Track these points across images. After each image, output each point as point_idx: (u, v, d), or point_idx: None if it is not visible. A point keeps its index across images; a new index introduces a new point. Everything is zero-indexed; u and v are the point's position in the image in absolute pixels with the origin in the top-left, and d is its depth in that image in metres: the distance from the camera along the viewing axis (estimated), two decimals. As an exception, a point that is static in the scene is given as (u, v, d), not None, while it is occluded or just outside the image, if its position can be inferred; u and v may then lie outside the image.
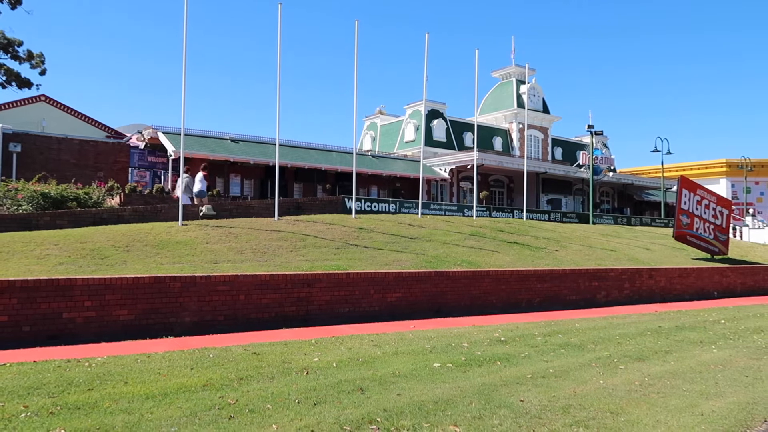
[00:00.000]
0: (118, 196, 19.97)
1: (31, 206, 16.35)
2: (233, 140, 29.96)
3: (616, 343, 9.58)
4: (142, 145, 28.86)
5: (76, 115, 30.77)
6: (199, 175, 19.64)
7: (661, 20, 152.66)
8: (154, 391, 5.82)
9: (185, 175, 17.99)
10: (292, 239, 15.06)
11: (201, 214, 16.74)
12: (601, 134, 38.28)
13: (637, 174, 53.98)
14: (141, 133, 29.11)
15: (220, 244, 13.71)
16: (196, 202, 18.54)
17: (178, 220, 15.18)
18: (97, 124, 31.36)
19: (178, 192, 18.39)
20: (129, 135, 30.68)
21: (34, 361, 7.05)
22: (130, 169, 27.58)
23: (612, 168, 42.60)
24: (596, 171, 36.90)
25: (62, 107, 30.40)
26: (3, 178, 22.48)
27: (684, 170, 52.83)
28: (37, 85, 28.77)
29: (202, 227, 14.82)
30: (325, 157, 32.37)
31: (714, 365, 8.11)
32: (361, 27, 23.35)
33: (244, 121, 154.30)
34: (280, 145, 17.90)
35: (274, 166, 27.47)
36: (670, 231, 27.28)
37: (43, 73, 28.33)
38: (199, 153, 26.22)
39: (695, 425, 5.36)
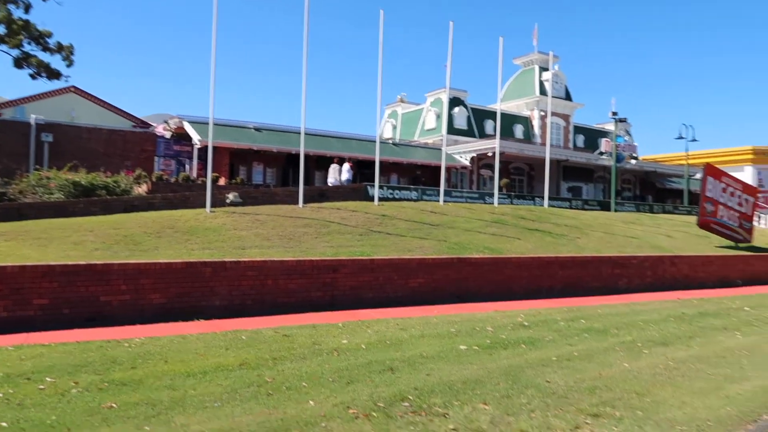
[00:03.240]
0: (145, 184, 20.41)
1: (63, 194, 16.84)
2: (256, 129, 30.26)
3: (639, 329, 9.66)
4: (168, 135, 29.29)
5: (103, 105, 31.33)
6: (346, 166, 23.75)
7: (685, 13, 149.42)
8: (194, 369, 6.10)
9: (335, 164, 24.85)
10: (316, 226, 15.31)
11: (228, 201, 17.07)
12: (625, 121, 37.78)
13: (659, 161, 53.27)
14: (167, 122, 29.54)
15: (247, 230, 14.01)
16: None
17: (205, 207, 15.52)
18: (123, 114, 31.90)
19: (330, 178, 24.69)
20: (155, 124, 31.15)
21: (77, 342, 7.39)
22: (156, 157, 28.05)
23: (634, 155, 42.09)
24: (618, 158, 36.52)
25: (90, 98, 30.96)
26: (36, 167, 23.10)
27: (708, 158, 51.92)
28: (66, 77, 29.27)
29: (229, 214, 15.13)
30: (345, 145, 32.54)
31: (739, 350, 8.18)
32: (384, 16, 23.39)
33: (267, 111, 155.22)
34: (302, 134, 18.11)
35: (296, 154, 27.70)
36: (692, 219, 27.01)
37: (71, 64, 28.81)
38: (223, 142, 26.57)
39: (721, 407, 5.47)
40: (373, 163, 21.44)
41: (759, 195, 29.46)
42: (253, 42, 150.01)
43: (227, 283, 10.26)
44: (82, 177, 17.80)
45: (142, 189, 20.31)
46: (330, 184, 24.18)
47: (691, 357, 7.62)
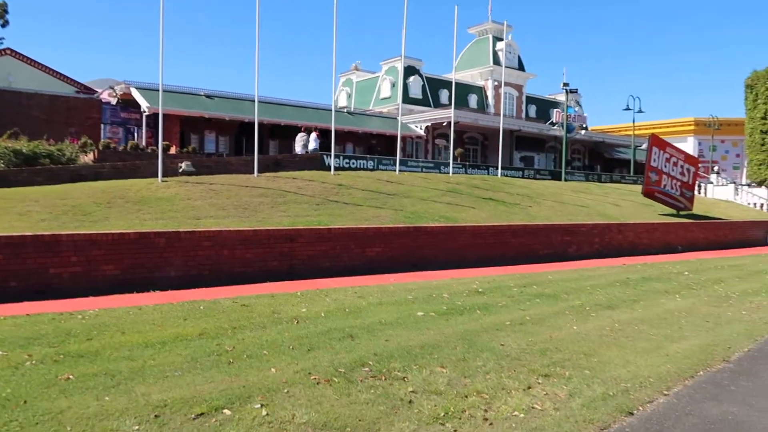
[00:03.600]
0: (92, 153, 19.66)
1: (2, 163, 16.06)
2: (208, 96, 29.43)
3: (588, 293, 10.09)
4: (114, 101, 28.16)
5: (44, 69, 29.69)
6: (313, 135, 23.19)
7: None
8: (152, 339, 6.05)
9: (303, 134, 24.50)
10: (272, 195, 15.17)
11: (180, 170, 16.66)
12: (576, 92, 38.52)
13: (608, 132, 54.74)
14: (113, 88, 28.37)
15: (202, 200, 13.77)
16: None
17: (157, 176, 15.12)
18: (65, 79, 30.35)
19: (298, 147, 24.24)
20: (100, 90, 29.87)
21: (27, 314, 7.19)
22: (102, 125, 26.95)
23: (584, 126, 43.12)
24: (569, 129, 37.33)
25: (29, 61, 29.29)
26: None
27: (654, 128, 53.65)
28: (0, 38, 27.60)
29: (182, 184, 14.81)
30: (300, 114, 32.09)
31: (678, 312, 8.67)
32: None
33: (218, 80, 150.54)
34: (255, 101, 17.75)
35: (249, 123, 27.17)
36: (638, 188, 28.05)
37: (5, 24, 27.16)
38: (174, 109, 25.75)
39: (661, 364, 5.83)
40: (328, 132, 21.26)
41: (699, 165, 30.78)
42: (204, 8, 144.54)
43: (182, 253, 10.12)
44: (23, 145, 16.97)
45: (88, 158, 19.56)
46: (297, 153, 24.12)
47: (635, 319, 8.03)
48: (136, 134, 27.69)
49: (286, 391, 4.66)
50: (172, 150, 24.39)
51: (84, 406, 4.21)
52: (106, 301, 8.34)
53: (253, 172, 17.39)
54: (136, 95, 26.55)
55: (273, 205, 14.38)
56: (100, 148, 20.42)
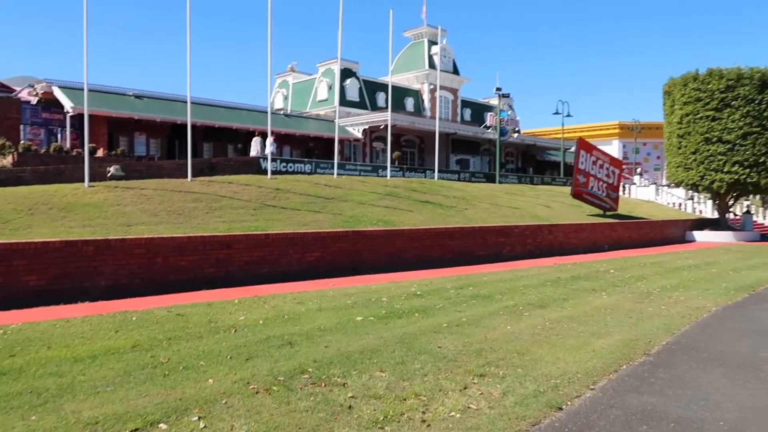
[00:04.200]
0: (11, 156, 18.62)
1: None
2: (137, 96, 28.44)
3: (521, 293, 10.46)
4: (34, 101, 26.72)
5: (-47, 65, 27.85)
6: (270, 139, 22.49)
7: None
8: (82, 354, 5.82)
9: (258, 137, 26.10)
10: (207, 200, 14.85)
11: (109, 175, 16.03)
12: (508, 96, 39.75)
13: (539, 135, 56.74)
14: (33, 87, 26.90)
15: (132, 206, 13.31)
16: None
17: (83, 181, 14.49)
18: (-21, 77, 28.57)
19: (253, 152, 25.64)
20: (18, 89, 28.26)
21: (-59, 331, 6.75)
22: (22, 126, 25.54)
23: (517, 129, 44.53)
24: (503, 132, 38.46)
25: (-63, 56, 27.39)
26: None
27: (582, 132, 56.13)
28: None
29: (111, 189, 14.25)
30: (235, 116, 31.53)
31: (604, 309, 9.12)
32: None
33: (148, 82, 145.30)
34: (188, 102, 17.31)
35: (181, 125, 26.46)
36: (568, 189, 29.25)
37: None
38: (100, 110, 24.72)
39: (588, 360, 6.14)
40: (265, 134, 21.00)
41: (623, 167, 32.43)
42: (131, 2, 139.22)
43: (113, 261, 9.76)
44: (-67, 147, 15.90)
45: (6, 161, 18.50)
46: (252, 156, 25.05)
47: (564, 317, 8.40)
48: (59, 136, 26.39)
49: (224, 402, 4.61)
50: (100, 153, 23.44)
51: (8, 427, 4.01)
52: (30, 314, 7.94)
53: (187, 176, 16.95)
54: (59, 95, 25.31)
55: (208, 211, 14.08)
56: (20, 150, 19.38)
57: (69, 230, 11.11)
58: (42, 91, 26.38)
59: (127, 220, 12.30)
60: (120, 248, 9.86)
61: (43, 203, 12.38)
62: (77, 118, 25.08)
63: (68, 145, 24.75)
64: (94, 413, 4.28)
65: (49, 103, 26.49)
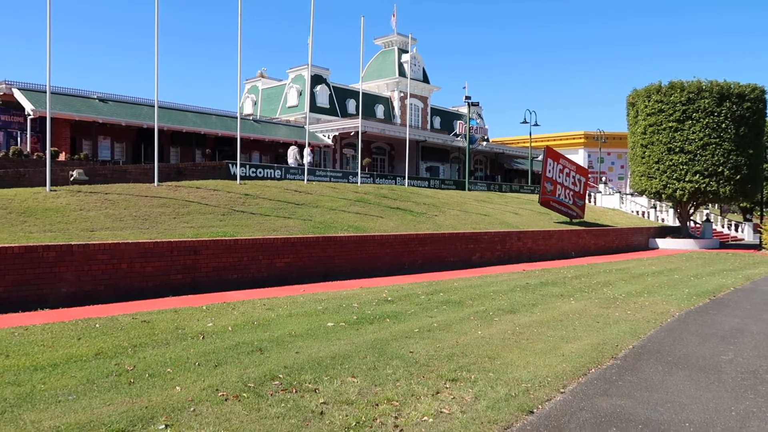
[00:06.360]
0: (-32, 159, 17.97)
1: None
2: (102, 100, 27.80)
3: (491, 299, 10.53)
4: (-8, 103, 25.91)
5: None
6: (307, 149, 24.17)
7: (526, 10, 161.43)
8: (42, 362, 5.62)
9: (294, 146, 28.96)
10: (174, 206, 14.57)
11: (71, 179, 15.60)
12: (477, 105, 40.15)
13: (507, 144, 57.52)
14: (-9, 88, 26.06)
15: (96, 211, 12.97)
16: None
17: (45, 185, 14.06)
18: (-67, 77, 27.54)
19: (290, 160, 28.06)
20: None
21: None
22: (-21, 129, 24.75)
23: (486, 138, 45.05)
24: (472, 140, 38.84)
25: None
26: None
27: (549, 141, 57.12)
28: None
29: (74, 193, 13.87)
30: (204, 121, 31.10)
31: (572, 314, 9.24)
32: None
33: (112, 80, 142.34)
34: (155, 106, 17.00)
35: (147, 129, 25.98)
36: (536, 197, 29.67)
37: None
38: (63, 113, 24.07)
39: (557, 364, 6.20)
40: (233, 140, 20.77)
41: (589, 175, 33.09)
42: (95, 5, 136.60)
43: (75, 268, 9.48)
44: None
45: (-37, 164, 17.85)
46: (290, 166, 25.86)
47: (534, 322, 8.48)
48: (19, 139, 25.63)
49: (192, 409, 4.49)
50: (62, 157, 22.83)
51: (-38, 439, 3.84)
52: (-14, 321, 7.63)
53: (153, 181, 16.62)
54: (19, 96, 24.58)
55: (175, 216, 13.82)
56: (-22, 154, 18.70)
57: (29, 235, 10.75)
58: (1, 93, 25.58)
59: (90, 226, 11.97)
60: (83, 254, 9.58)
61: (2, 207, 11.97)
62: (38, 121, 24.40)
63: (29, 148, 24.05)
64: (55, 423, 4.12)
65: (8, 105, 25.69)
